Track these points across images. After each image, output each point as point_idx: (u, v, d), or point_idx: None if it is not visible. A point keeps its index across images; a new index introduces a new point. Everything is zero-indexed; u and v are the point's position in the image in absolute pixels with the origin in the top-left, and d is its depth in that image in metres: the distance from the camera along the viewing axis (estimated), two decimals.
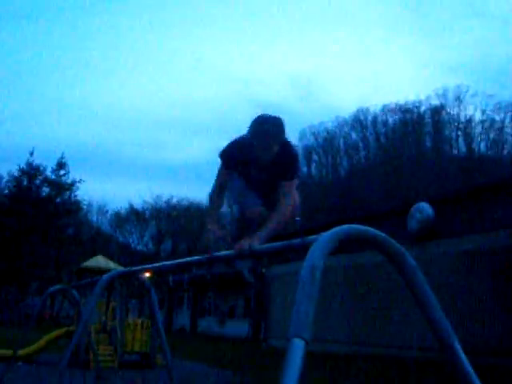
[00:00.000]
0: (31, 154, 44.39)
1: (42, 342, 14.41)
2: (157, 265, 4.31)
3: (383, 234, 2.12)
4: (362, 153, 68.47)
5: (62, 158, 45.21)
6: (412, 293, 2.10)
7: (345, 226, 1.98)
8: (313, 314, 1.68)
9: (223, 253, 2.97)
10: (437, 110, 64.65)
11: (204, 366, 14.64)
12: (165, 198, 60.26)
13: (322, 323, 17.97)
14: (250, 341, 25.43)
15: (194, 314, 36.44)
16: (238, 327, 29.28)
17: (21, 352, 12.45)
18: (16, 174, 44.32)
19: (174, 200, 60.41)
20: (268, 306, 24.27)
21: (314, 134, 69.54)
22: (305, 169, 69.03)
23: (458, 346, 2.04)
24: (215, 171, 3.38)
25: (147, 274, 4.81)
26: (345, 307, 18.81)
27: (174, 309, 39.81)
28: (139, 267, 4.61)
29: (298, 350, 1.59)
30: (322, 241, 1.87)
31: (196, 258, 3.20)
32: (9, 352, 11.61)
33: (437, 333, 2.07)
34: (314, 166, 70.05)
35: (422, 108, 65.55)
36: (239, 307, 31.40)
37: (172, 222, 59.23)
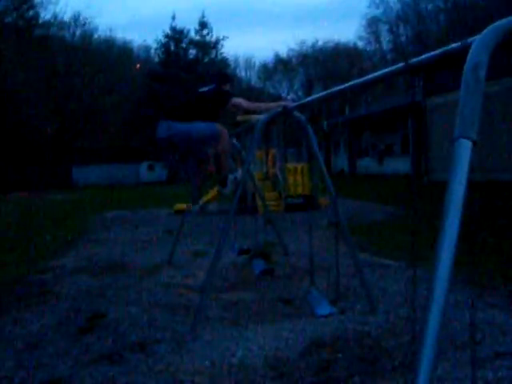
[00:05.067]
0: (173, 18, 45.22)
1: (211, 194, 15.46)
2: (311, 98, 4.27)
3: None
4: None
5: (203, 17, 45.58)
6: None
7: None
8: (478, 113, 1.56)
9: None
10: None
11: (367, 203, 14.95)
12: (310, 42, 59.07)
13: (487, 151, 17.28)
14: (411, 177, 25.28)
15: (352, 155, 36.73)
16: (397, 165, 29.16)
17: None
18: (162, 40, 45.60)
19: (320, 43, 59.10)
20: (428, 139, 23.72)
21: None
22: None
23: None
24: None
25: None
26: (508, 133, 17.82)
27: (331, 153, 40.38)
28: (295, 103, 4.63)
29: (465, 150, 1.51)
30: (486, 35, 1.69)
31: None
32: (183, 206, 12.69)
33: None
34: None
35: None
36: (397, 144, 31.03)
37: (320, 67, 58.31)
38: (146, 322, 4.53)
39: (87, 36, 47.71)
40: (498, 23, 1.77)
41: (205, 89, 5.28)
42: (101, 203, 19.54)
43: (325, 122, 39.19)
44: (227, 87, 5.27)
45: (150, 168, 43.18)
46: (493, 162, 17.59)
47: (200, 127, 5.01)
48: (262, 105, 5.12)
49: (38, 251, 8.73)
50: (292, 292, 5.39)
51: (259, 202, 12.21)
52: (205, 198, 15.21)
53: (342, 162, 38.36)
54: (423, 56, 2.33)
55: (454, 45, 2.07)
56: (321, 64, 58.22)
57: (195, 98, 5.28)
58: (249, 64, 63.88)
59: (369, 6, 64.94)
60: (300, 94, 57.38)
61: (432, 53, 2.28)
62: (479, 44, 1.68)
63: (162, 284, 5.98)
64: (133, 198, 22.09)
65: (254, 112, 5.23)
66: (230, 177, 5.24)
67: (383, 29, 64.88)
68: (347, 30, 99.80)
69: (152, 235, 10.56)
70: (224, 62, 48.09)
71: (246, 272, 6.46)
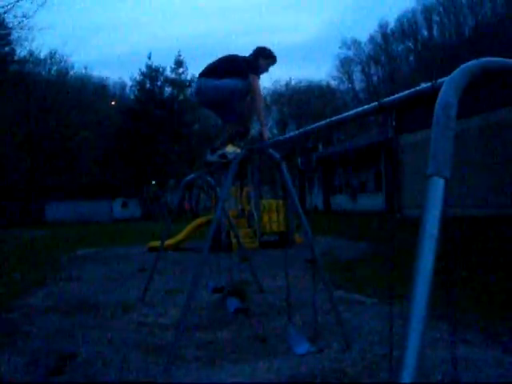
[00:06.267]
0: (149, 57, 45.65)
1: (185, 232, 15.36)
2: (286, 136, 4.33)
3: None
4: (488, 6, 62.89)
5: (179, 55, 45.99)
6: None
7: (480, 59, 1.82)
8: (450, 151, 1.60)
9: None
10: None
11: (341, 240, 14.99)
12: (283, 81, 59.89)
13: (459, 188, 17.56)
14: (384, 213, 25.52)
15: (326, 192, 36.98)
16: (371, 201, 29.43)
17: (168, 242, 13.42)
18: (138, 78, 45.88)
19: (293, 82, 59.97)
20: (401, 176, 24.04)
21: None
22: (425, 32, 65.13)
23: None
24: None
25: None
26: (482, 169, 18.16)
27: (305, 190, 40.60)
28: (270, 141, 4.67)
29: (438, 187, 1.54)
30: (456, 76, 1.74)
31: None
32: (157, 243, 12.58)
33: None
34: (435, 27, 65.68)
35: None
36: (370, 181, 31.36)
37: (294, 105, 59.07)
38: (118, 362, 4.43)
39: (63, 73, 47.79)
40: (467, 64, 1.83)
41: (241, 55, 5.34)
42: (73, 240, 19.28)
43: (299, 160, 39.51)
44: (264, 63, 5.25)
45: (124, 205, 42.93)
46: (466, 197, 17.88)
47: (233, 82, 5.11)
48: (261, 115, 5.06)
49: (8, 289, 8.54)
50: (267, 330, 5.34)
51: (234, 239, 12.18)
52: (180, 236, 15.14)
53: (315, 198, 38.58)
54: (395, 96, 2.39)
55: (424, 85, 2.13)
56: (295, 103, 59.03)
57: (228, 57, 5.33)
58: None
59: (341, 47, 66.37)
60: (274, 131, 57.89)
61: (403, 93, 2.33)
62: (449, 84, 1.73)
63: (135, 323, 5.88)
64: (106, 235, 21.85)
65: (256, 111, 5.07)
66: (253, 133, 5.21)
67: (355, 69, 66.44)
68: (320, 70, 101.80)
69: (125, 273, 10.42)
70: None
71: (221, 310, 6.39)
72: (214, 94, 5.24)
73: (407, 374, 1.45)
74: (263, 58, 5.27)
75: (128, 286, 8.72)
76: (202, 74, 5.32)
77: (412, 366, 1.47)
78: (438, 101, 1.68)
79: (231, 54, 5.40)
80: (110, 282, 9.20)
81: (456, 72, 1.79)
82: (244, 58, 5.29)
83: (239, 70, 5.11)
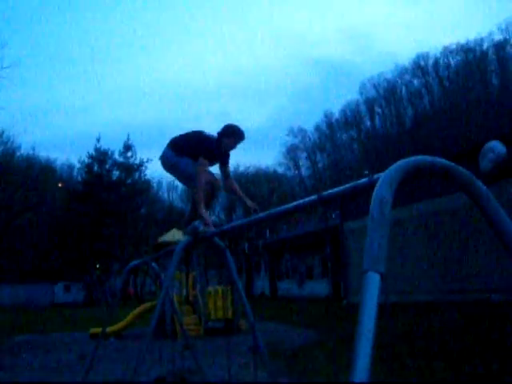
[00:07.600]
0: (98, 140, 45.58)
1: (128, 318, 14.95)
2: (229, 225, 4.36)
3: (451, 163, 2.05)
4: (426, 99, 66.60)
5: (128, 140, 46.12)
6: (487, 219, 2.03)
7: (412, 158, 1.92)
8: (385, 247, 1.65)
9: None
10: (501, 46, 61.92)
11: (288, 327, 14.85)
12: (231, 167, 60.66)
13: (400, 274, 17.84)
14: (331, 300, 25.54)
15: (273, 277, 36.88)
16: (317, 287, 29.46)
17: (110, 329, 13.01)
18: (86, 160, 45.64)
19: (241, 168, 60.89)
20: (346, 262, 24.27)
21: (374, 85, 68.19)
22: (368, 122, 68.15)
23: None
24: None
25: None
26: (422, 256, 18.56)
27: (252, 275, 40.40)
28: (214, 230, 4.68)
29: (373, 283, 1.58)
30: (389, 173, 1.83)
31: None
32: (99, 330, 12.18)
33: None
34: (377, 118, 68.78)
35: (485, 45, 62.94)
36: (316, 267, 31.51)
37: (241, 190, 59.71)
38: None
39: (9, 153, 47.20)
40: (400, 163, 1.92)
41: (209, 134, 5.30)
42: (10, 326, 18.43)
43: (246, 245, 39.53)
44: (228, 141, 5.24)
45: (66, 289, 41.60)
46: (407, 284, 18.14)
47: (187, 163, 5.13)
48: (199, 204, 4.94)
49: None
50: None
51: (178, 326, 11.91)
52: (123, 322, 14.69)
53: (263, 284, 38.37)
54: (334, 190, 2.47)
55: (362, 180, 2.22)
56: (242, 188, 59.61)
57: (193, 135, 5.32)
58: (171, 186, 64.71)
59: (287, 135, 68.41)
60: (222, 216, 58.11)
61: (342, 187, 2.42)
62: (383, 181, 1.80)
63: None
64: (47, 321, 21.01)
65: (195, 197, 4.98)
66: (195, 223, 4.81)
67: (301, 156, 68.30)
68: (267, 157, 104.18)
69: (64, 361, 9.99)
70: (147, 183, 48.41)
71: None
72: (170, 169, 5.35)
73: None
74: (227, 136, 5.22)
75: (66, 376, 8.34)
76: (169, 143, 5.35)
77: None
78: (372, 197, 1.76)
79: (200, 130, 5.38)
80: (47, 372, 8.79)
81: (390, 169, 1.88)
82: (206, 137, 5.25)
83: (195, 151, 5.11)
